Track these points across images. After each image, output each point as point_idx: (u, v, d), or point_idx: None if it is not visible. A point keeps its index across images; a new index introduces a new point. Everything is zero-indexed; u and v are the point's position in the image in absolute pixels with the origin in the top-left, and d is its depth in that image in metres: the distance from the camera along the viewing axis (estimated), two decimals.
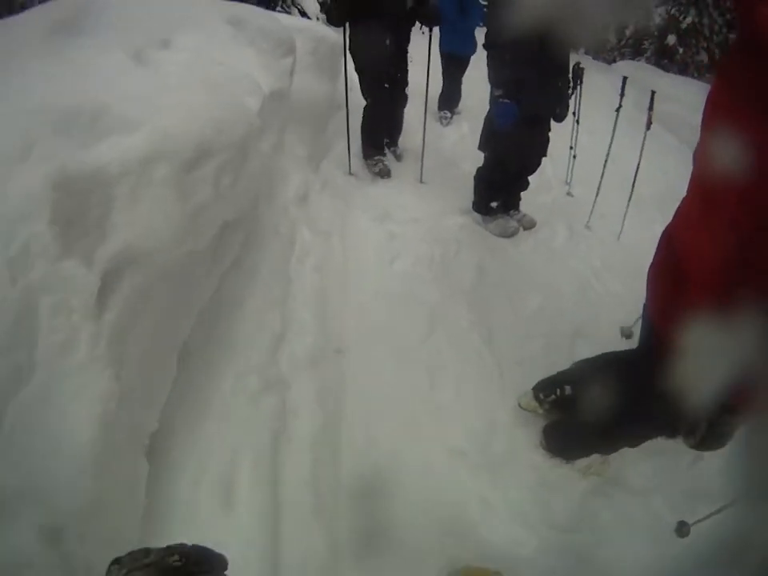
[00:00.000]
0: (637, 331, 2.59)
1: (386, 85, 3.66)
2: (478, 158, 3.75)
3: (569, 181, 4.37)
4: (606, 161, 3.79)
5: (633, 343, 2.57)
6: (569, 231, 3.77)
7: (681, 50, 10.85)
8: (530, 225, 3.64)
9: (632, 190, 3.72)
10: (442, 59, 4.95)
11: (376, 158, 3.99)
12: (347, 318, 2.72)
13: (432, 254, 3.24)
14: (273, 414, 2.08)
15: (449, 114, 5.26)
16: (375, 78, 3.62)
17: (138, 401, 1.48)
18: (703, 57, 12.63)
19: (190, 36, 2.30)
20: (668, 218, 4.02)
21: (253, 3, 7.80)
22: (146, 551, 0.57)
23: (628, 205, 3.73)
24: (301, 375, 2.29)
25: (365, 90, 3.76)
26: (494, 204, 3.47)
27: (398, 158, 4.31)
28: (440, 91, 5.19)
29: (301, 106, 3.59)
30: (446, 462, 2.14)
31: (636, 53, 12.00)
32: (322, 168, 3.73)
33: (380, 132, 4.02)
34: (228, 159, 1.66)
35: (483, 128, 3.31)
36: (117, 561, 0.56)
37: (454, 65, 5.04)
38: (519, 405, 2.37)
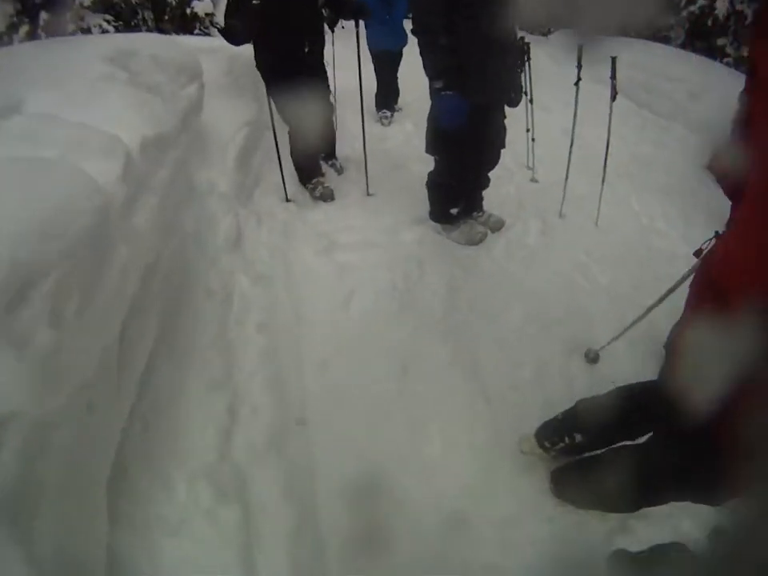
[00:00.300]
0: (605, 355, 2.47)
1: (305, 101, 3.18)
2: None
3: (531, 165, 3.97)
4: (572, 140, 3.42)
5: (602, 369, 2.44)
6: (542, 224, 3.39)
7: None
8: (498, 225, 3.24)
9: (604, 169, 3.34)
10: (372, 57, 4.53)
11: (314, 180, 3.56)
12: (305, 379, 2.33)
13: (393, 282, 2.84)
14: (234, 527, 1.74)
15: (388, 113, 4.83)
16: (291, 98, 3.16)
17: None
18: None
19: (47, 92, 1.92)
20: (640, 189, 3.64)
21: (169, 31, 7.44)
22: None
23: (602, 185, 3.35)
24: (261, 465, 1.93)
25: (282, 113, 3.31)
26: (453, 211, 3.08)
27: (339, 170, 3.91)
28: (375, 91, 4.72)
29: (218, 134, 3.14)
30: (444, 530, 1.82)
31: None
32: (255, 199, 3.30)
33: (312, 154, 3.58)
34: (69, 271, 1.21)
35: (428, 128, 2.92)
36: None
37: (386, 61, 4.63)
38: (521, 450, 2.07)
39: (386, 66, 4.66)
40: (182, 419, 1.96)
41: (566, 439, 1.87)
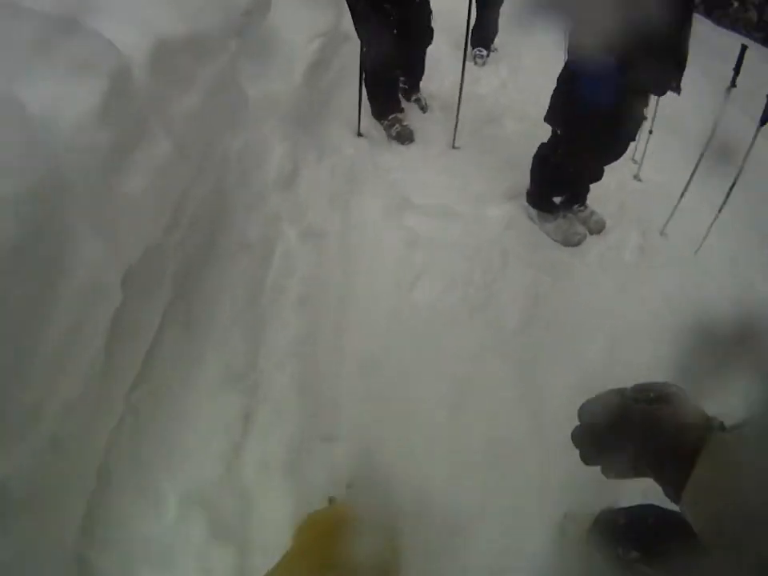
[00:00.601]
0: None
1: (391, 16, 2.50)
2: (524, 113, 2.90)
3: (637, 160, 3.26)
4: (702, 154, 2.65)
5: None
6: (642, 237, 2.77)
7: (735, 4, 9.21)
8: (598, 227, 2.65)
9: (728, 195, 2.64)
10: None
11: (391, 116, 2.87)
12: (342, 381, 1.81)
13: (470, 273, 2.27)
14: (227, 571, 1.36)
15: (484, 53, 4.05)
16: (376, 12, 2.43)
17: None
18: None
19: None
20: (746, 227, 2.89)
21: None
22: None
23: (718, 213, 2.66)
24: (271, 491, 1.51)
25: (361, 29, 2.58)
26: (557, 199, 2.51)
27: (424, 108, 3.20)
28: (473, 24, 3.92)
29: (286, 43, 2.50)
30: None
31: None
32: (320, 127, 2.63)
33: (391, 84, 2.90)
34: None
35: (557, 94, 2.26)
36: None
37: None
38: (563, 531, 1.67)
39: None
40: (186, 419, 1.48)
41: (620, 550, 1.46)
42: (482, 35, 4.00)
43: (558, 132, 2.30)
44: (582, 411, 0.62)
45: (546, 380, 2.00)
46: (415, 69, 3.13)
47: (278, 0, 2.54)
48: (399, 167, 2.66)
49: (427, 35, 2.90)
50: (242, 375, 1.59)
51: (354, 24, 2.61)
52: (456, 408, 1.84)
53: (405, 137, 2.83)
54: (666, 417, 0.55)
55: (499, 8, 3.96)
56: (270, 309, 1.77)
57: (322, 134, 2.59)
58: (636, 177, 3.23)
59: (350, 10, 2.61)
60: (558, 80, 2.23)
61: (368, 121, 2.80)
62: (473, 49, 4.00)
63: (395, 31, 2.64)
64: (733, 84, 2.61)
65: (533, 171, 2.48)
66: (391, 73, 2.82)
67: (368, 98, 2.80)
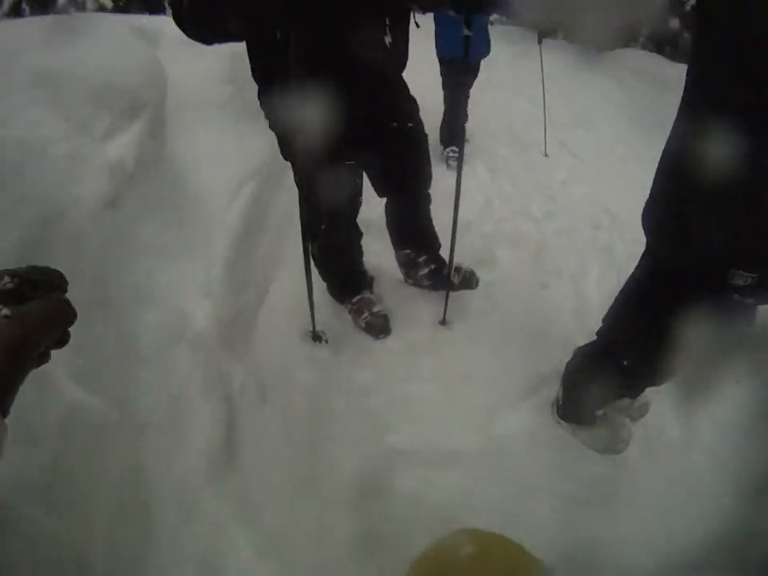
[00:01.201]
0: None
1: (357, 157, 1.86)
2: (518, 234, 2.66)
3: None
4: None
5: None
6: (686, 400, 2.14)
7: (685, 35, 8.70)
8: (641, 413, 2.07)
9: None
10: (441, 68, 3.46)
11: (356, 299, 2.23)
12: None
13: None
14: None
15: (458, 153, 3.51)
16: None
17: None
18: None
19: None
20: None
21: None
22: None
23: None
24: None
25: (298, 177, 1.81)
26: (599, 412, 1.89)
27: (474, 282, 2.33)
28: (442, 118, 3.51)
29: (204, 203, 1.97)
30: None
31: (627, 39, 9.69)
32: (258, 341, 1.97)
33: (348, 255, 2.20)
34: None
35: (620, 303, 1.56)
36: None
37: (461, 74, 3.34)
38: None
39: (458, 79, 3.36)
40: None
41: None
42: (452, 129, 3.49)
43: (622, 361, 1.57)
44: None
45: None
46: (423, 233, 2.29)
47: (185, 123, 1.98)
48: (375, 384, 1.99)
49: (425, 183, 2.14)
50: None
51: (296, 172, 1.83)
52: None
53: (378, 329, 2.17)
54: None
55: (468, 91, 3.44)
56: None
57: (263, 353, 1.96)
58: None
59: (282, 153, 1.88)
60: (624, 290, 1.54)
61: (327, 306, 2.18)
62: (444, 149, 3.48)
63: (380, 179, 2.00)
64: None
65: (567, 384, 1.90)
66: (346, 236, 2.12)
67: (320, 276, 2.15)
